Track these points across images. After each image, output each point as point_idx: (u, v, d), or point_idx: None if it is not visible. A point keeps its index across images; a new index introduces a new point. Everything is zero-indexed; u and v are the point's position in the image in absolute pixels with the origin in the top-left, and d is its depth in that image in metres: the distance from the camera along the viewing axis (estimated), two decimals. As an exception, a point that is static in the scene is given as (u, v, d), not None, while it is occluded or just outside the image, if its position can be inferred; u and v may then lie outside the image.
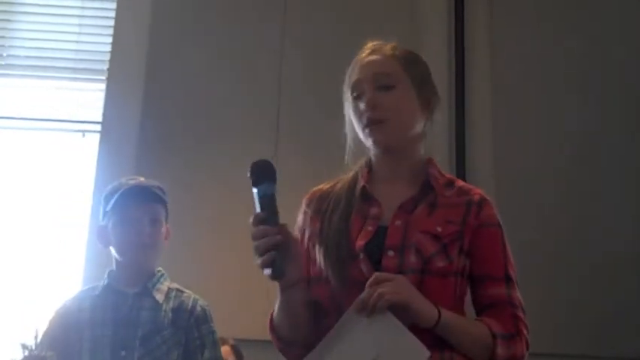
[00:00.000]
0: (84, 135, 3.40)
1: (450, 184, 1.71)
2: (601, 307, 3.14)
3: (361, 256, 1.61)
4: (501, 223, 1.68)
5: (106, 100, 3.35)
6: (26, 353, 1.67)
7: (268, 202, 1.56)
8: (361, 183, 1.73)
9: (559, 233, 3.22)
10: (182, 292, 2.13)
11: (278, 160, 3.19)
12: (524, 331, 1.60)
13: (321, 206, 1.76)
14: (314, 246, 1.70)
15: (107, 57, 3.40)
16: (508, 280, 1.63)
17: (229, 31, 3.39)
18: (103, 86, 3.39)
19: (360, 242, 1.64)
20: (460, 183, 1.74)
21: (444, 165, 3.11)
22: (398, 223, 1.63)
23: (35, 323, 1.85)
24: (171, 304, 2.07)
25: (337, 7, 3.47)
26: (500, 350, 1.55)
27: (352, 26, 3.36)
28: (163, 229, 2.11)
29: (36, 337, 1.71)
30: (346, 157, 1.80)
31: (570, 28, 3.47)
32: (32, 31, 3.51)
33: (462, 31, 3.45)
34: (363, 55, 1.76)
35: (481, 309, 1.63)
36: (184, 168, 3.17)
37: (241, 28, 3.40)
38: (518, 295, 1.63)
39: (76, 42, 3.47)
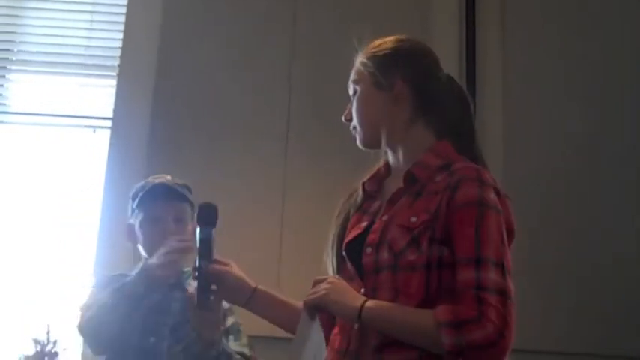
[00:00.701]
0: (95, 131, 3.40)
1: (447, 167, 1.62)
2: (606, 304, 3.12)
3: (344, 254, 1.66)
4: (487, 201, 1.53)
5: (116, 96, 3.34)
6: (38, 348, 1.67)
7: (205, 246, 1.72)
8: (364, 179, 1.76)
9: (566, 235, 3.19)
10: None
11: (287, 157, 3.23)
12: (492, 315, 1.40)
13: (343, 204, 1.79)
14: None
15: (118, 53, 3.40)
16: (479, 261, 1.46)
17: (240, 28, 3.38)
18: (113, 82, 3.38)
19: (346, 240, 1.68)
20: (459, 165, 1.61)
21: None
22: (385, 217, 1.62)
23: (47, 319, 1.85)
24: None
25: (347, 5, 3.45)
26: (447, 339, 1.40)
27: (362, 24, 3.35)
28: (189, 228, 2.11)
29: (48, 333, 1.71)
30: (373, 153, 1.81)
31: (582, 33, 3.43)
32: (43, 27, 3.51)
33: (473, 41, 3.42)
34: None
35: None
36: (195, 164, 3.16)
37: (252, 24, 3.39)
38: (493, 276, 1.45)
39: (87, 38, 3.47)
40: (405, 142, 1.69)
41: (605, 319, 3.09)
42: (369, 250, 1.59)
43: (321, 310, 1.53)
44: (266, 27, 3.39)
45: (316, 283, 1.56)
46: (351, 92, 1.76)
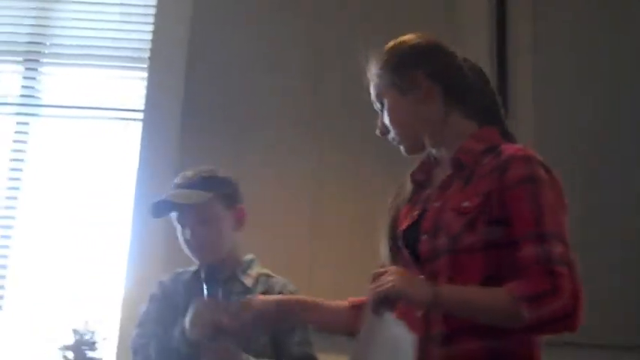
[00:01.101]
0: (126, 123, 3.41)
1: (492, 149, 1.63)
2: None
3: (400, 243, 1.67)
4: (538, 177, 1.54)
5: (147, 88, 3.35)
6: (77, 337, 1.68)
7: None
8: (412, 170, 1.77)
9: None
10: (271, 277, 2.14)
11: (318, 147, 3.21)
12: (566, 286, 1.42)
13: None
14: None
15: (149, 45, 3.40)
16: (542, 236, 1.48)
17: (271, 18, 3.37)
18: (145, 74, 3.38)
19: (400, 228, 1.70)
20: (505, 146, 1.63)
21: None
22: (436, 204, 1.64)
23: (85, 312, 1.87)
24: (260, 288, 2.08)
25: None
26: (527, 313, 1.41)
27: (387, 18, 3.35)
28: (225, 221, 2.09)
29: (87, 323, 1.73)
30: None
31: (615, 32, 3.36)
32: (74, 19, 3.51)
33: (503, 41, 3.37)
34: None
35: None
36: (227, 156, 3.15)
37: (282, 15, 3.37)
38: (558, 249, 1.47)
39: (118, 30, 3.47)
40: (446, 136, 1.70)
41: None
42: (424, 237, 1.61)
43: (391, 302, 1.47)
44: (295, 18, 3.37)
45: (377, 276, 1.51)
46: (377, 107, 1.76)
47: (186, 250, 2.13)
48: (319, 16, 3.37)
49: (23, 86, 3.47)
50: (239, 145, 3.22)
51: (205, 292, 1.86)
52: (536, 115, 3.25)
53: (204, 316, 1.82)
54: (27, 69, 3.50)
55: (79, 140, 3.44)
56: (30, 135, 3.43)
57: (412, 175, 1.77)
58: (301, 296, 1.88)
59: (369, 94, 1.80)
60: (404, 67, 1.70)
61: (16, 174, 3.36)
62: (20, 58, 3.50)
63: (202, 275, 1.98)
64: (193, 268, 2.17)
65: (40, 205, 3.35)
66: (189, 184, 2.12)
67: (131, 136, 3.38)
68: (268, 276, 2.16)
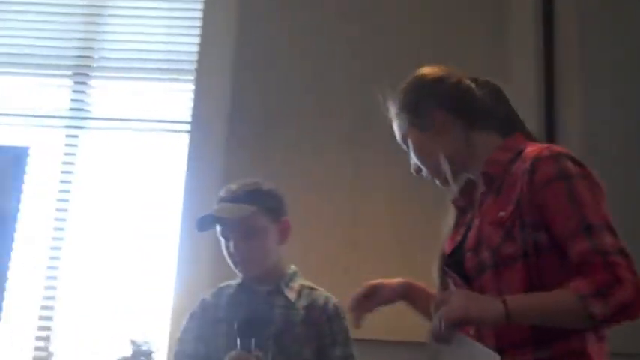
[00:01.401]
0: (173, 135, 3.43)
1: (518, 155, 1.64)
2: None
3: (447, 266, 1.72)
4: (568, 172, 1.54)
5: (194, 100, 3.37)
6: (135, 348, 1.69)
7: None
8: (452, 197, 1.82)
9: None
10: (314, 289, 2.13)
11: (361, 161, 3.20)
12: (626, 275, 1.43)
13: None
14: None
15: (195, 57, 3.43)
16: (588, 229, 1.48)
17: (316, 29, 3.37)
18: (191, 86, 3.42)
19: (446, 252, 1.74)
20: (529, 149, 1.63)
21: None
22: (476, 221, 1.66)
23: (139, 322, 1.89)
24: (303, 301, 2.07)
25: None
26: (597, 309, 1.41)
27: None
28: (269, 234, 2.08)
29: (143, 334, 1.74)
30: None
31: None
32: (122, 33, 3.57)
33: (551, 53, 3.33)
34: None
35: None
36: (273, 167, 3.16)
37: (327, 26, 3.38)
38: (608, 239, 1.47)
39: (165, 43, 3.51)
40: (474, 157, 1.73)
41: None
42: (469, 254, 1.64)
43: (463, 324, 1.47)
44: (339, 27, 3.37)
45: (440, 302, 1.50)
46: (406, 147, 1.82)
47: (230, 263, 2.13)
48: (365, 31, 3.37)
49: (72, 99, 3.53)
50: (285, 155, 3.23)
51: (238, 344, 1.85)
52: (586, 138, 3.20)
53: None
54: (76, 82, 3.55)
55: (127, 152, 3.49)
56: (79, 148, 3.48)
57: (454, 201, 1.81)
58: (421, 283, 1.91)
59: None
60: (416, 105, 1.75)
61: (65, 186, 3.41)
62: (69, 72, 3.56)
63: (235, 326, 1.94)
64: (236, 281, 2.17)
65: (89, 217, 3.39)
66: (233, 198, 2.11)
67: (178, 147, 3.40)
68: (311, 288, 2.15)
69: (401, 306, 1.96)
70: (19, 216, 2.67)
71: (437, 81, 1.78)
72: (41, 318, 3.24)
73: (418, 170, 1.80)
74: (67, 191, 3.40)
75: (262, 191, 2.15)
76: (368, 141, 3.23)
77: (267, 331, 1.97)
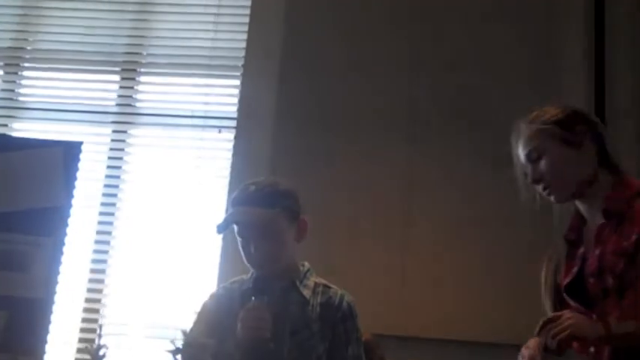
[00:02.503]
0: (220, 131, 3.47)
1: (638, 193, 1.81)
2: None
3: (565, 296, 1.88)
4: None
5: (241, 96, 3.40)
6: (186, 339, 1.72)
7: None
8: (563, 232, 1.97)
9: None
10: (329, 287, 2.12)
11: (412, 157, 3.20)
12: None
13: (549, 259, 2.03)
14: None
15: (242, 54, 3.46)
16: None
17: (364, 26, 3.38)
18: (238, 82, 3.45)
19: (563, 284, 1.90)
20: None
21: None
22: (596, 251, 1.81)
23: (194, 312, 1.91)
24: (318, 299, 2.07)
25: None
26: None
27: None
28: (288, 234, 2.08)
29: (195, 323, 1.76)
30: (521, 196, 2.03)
31: None
32: (170, 30, 3.62)
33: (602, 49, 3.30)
34: (518, 134, 2.00)
35: None
36: (319, 164, 3.18)
37: (375, 20, 3.38)
38: None
39: (212, 40, 3.55)
40: (593, 190, 1.89)
41: None
42: (591, 280, 1.81)
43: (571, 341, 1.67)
44: (389, 25, 3.37)
45: (549, 322, 1.70)
46: (533, 157, 1.94)
47: (246, 261, 2.12)
48: (414, 23, 3.36)
49: (120, 95, 3.59)
50: (331, 151, 3.24)
51: (253, 300, 1.94)
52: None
53: (253, 319, 1.91)
54: (124, 79, 3.61)
55: (174, 147, 3.53)
56: (127, 143, 3.53)
57: (565, 236, 1.96)
58: None
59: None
60: (574, 124, 1.92)
61: (114, 181, 3.46)
62: (118, 69, 3.61)
63: (251, 284, 2.02)
64: (249, 277, 2.16)
65: (137, 210, 3.45)
66: (252, 200, 2.09)
67: (225, 142, 3.44)
68: (325, 286, 2.14)
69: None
70: (72, 210, 2.70)
71: (591, 115, 2.00)
72: (87, 311, 3.31)
73: (538, 180, 1.93)
74: (116, 186, 3.46)
75: (281, 192, 2.10)
76: (424, 138, 3.24)
77: (282, 327, 1.99)
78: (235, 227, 2.09)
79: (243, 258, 2.10)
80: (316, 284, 2.11)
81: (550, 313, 1.86)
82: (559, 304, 1.92)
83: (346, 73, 3.33)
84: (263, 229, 2.04)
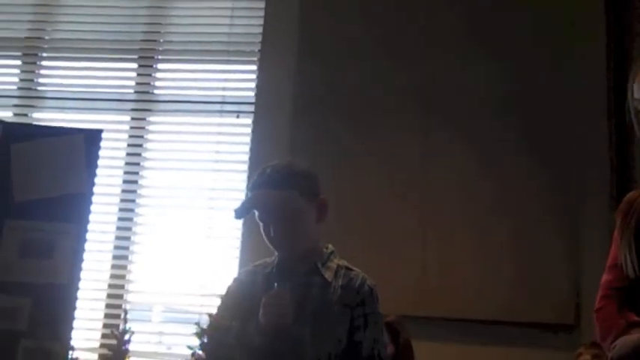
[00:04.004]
0: (238, 116, 3.48)
1: None
2: None
3: None
4: None
5: (258, 81, 3.41)
6: (212, 321, 1.74)
7: None
8: None
9: None
10: (350, 270, 2.12)
11: (428, 141, 3.20)
12: None
13: (627, 211, 1.88)
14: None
15: (259, 39, 3.47)
16: None
17: (381, 9, 3.37)
18: (255, 68, 3.46)
19: None
20: None
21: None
22: None
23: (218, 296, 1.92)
24: (340, 281, 2.07)
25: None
26: None
27: None
28: (307, 215, 2.08)
29: (220, 306, 1.78)
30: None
31: None
32: (186, 16, 3.63)
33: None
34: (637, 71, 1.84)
35: None
36: (338, 147, 3.19)
37: (394, 7, 3.36)
38: None
39: (229, 25, 3.55)
40: None
41: None
42: None
43: None
44: (407, 11, 3.35)
45: None
46: None
47: (269, 245, 2.14)
48: (434, 6, 3.35)
49: (138, 83, 3.61)
50: (349, 134, 3.24)
51: (276, 287, 1.94)
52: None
53: (275, 306, 1.91)
54: (141, 66, 3.63)
55: (192, 133, 3.55)
56: (146, 130, 3.56)
57: None
58: None
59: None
60: None
61: (134, 168, 3.49)
62: (135, 56, 3.63)
63: (274, 271, 2.01)
64: (272, 260, 2.17)
65: (158, 196, 3.49)
66: (267, 183, 2.10)
67: (243, 127, 3.46)
68: (347, 269, 2.14)
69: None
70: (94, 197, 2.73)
71: None
72: (111, 296, 3.34)
73: None
74: (136, 173, 3.49)
75: (296, 173, 2.09)
76: (441, 120, 3.23)
77: (304, 311, 2.00)
78: (255, 212, 2.10)
79: (266, 241, 2.12)
80: (339, 266, 2.11)
81: (631, 270, 1.81)
82: (638, 261, 1.81)
83: (363, 55, 3.33)
84: (280, 212, 2.04)
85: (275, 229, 2.05)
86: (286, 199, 2.04)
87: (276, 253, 2.12)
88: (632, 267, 1.79)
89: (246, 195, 2.15)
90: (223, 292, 2.14)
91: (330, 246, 2.17)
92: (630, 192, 1.94)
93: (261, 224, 2.10)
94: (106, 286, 3.36)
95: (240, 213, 2.09)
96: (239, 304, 2.07)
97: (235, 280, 2.18)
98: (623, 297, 1.82)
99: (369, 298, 2.06)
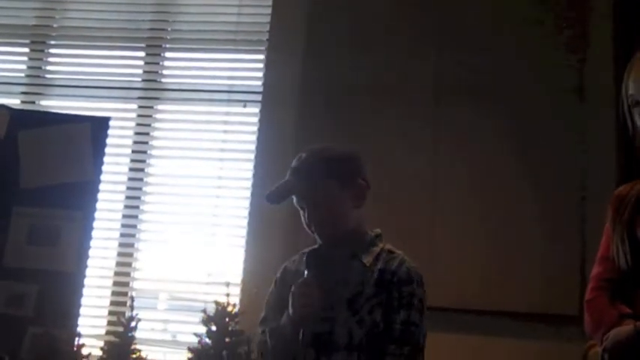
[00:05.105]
0: (245, 105, 3.48)
1: None
2: None
3: None
4: None
5: (266, 70, 3.41)
6: (219, 308, 1.75)
7: None
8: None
9: None
10: (392, 252, 2.10)
11: (435, 130, 3.19)
12: None
13: (618, 206, 1.89)
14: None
15: (267, 28, 3.46)
16: None
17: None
18: (263, 57, 3.46)
19: None
20: None
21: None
22: None
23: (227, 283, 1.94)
24: (379, 265, 2.05)
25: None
26: None
27: None
28: (341, 200, 2.07)
29: (227, 296, 1.79)
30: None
31: None
32: (194, 5, 3.62)
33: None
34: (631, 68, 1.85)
35: None
36: (345, 137, 3.16)
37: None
38: None
39: (237, 14, 3.54)
40: None
41: None
42: None
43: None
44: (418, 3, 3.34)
45: None
46: None
47: (308, 231, 2.14)
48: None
49: (146, 71, 3.61)
50: (356, 124, 3.23)
51: (305, 275, 1.95)
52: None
53: (302, 295, 1.91)
54: (149, 55, 3.63)
55: (199, 122, 3.56)
56: (153, 118, 3.56)
57: None
58: None
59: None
60: None
61: (141, 156, 3.50)
62: (143, 45, 3.63)
63: (304, 258, 2.02)
64: (316, 246, 2.18)
65: (164, 185, 3.49)
66: (301, 168, 2.10)
67: (250, 117, 3.46)
68: (390, 252, 2.12)
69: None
70: (101, 185, 2.74)
71: None
72: (117, 284, 3.36)
73: None
74: (143, 161, 3.49)
75: (332, 157, 2.11)
76: (449, 112, 3.21)
77: (341, 295, 1.99)
78: (293, 198, 2.11)
79: (306, 229, 2.12)
80: (382, 250, 2.10)
81: (623, 263, 1.82)
82: (631, 253, 1.83)
83: (372, 46, 3.31)
84: (312, 199, 2.06)
85: (309, 215, 2.06)
86: (316, 184, 2.04)
87: (317, 240, 2.13)
88: (625, 259, 1.80)
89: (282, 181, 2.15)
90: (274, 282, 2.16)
91: (377, 230, 2.15)
92: (620, 186, 1.96)
93: (300, 211, 2.11)
94: (112, 274, 3.37)
95: (274, 199, 2.09)
96: (281, 292, 2.07)
97: (281, 268, 2.19)
98: (614, 289, 1.83)
99: (407, 279, 2.03)
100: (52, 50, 3.72)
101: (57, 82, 3.66)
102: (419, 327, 2.01)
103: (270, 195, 2.11)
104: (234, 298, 2.24)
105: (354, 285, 2.02)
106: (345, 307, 1.98)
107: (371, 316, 1.97)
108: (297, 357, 1.92)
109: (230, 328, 1.80)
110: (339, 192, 2.09)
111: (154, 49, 3.61)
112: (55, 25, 3.73)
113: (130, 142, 3.52)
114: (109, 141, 2.79)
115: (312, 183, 2.06)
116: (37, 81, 3.67)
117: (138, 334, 2.18)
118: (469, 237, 3.07)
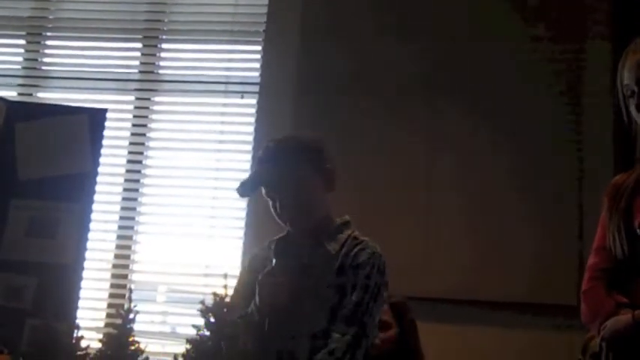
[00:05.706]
0: (242, 96, 3.48)
1: None
2: None
3: (638, 232, 1.77)
4: None
5: (262, 62, 3.41)
6: (217, 299, 1.74)
7: None
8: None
9: None
10: (358, 239, 2.10)
11: (433, 119, 3.19)
12: None
13: (615, 195, 1.89)
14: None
15: (263, 19, 3.45)
16: None
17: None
18: (259, 48, 3.46)
19: (638, 220, 1.79)
20: None
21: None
22: None
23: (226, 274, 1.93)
24: (344, 250, 2.05)
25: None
26: None
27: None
28: (313, 187, 2.06)
29: (225, 287, 1.79)
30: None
31: None
32: (191, -4, 3.62)
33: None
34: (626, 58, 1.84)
35: None
36: (342, 128, 3.18)
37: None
38: None
39: (234, 5, 3.54)
40: None
41: None
42: None
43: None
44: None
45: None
46: (635, 89, 1.81)
47: (279, 222, 2.13)
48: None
49: (142, 63, 3.60)
50: (353, 114, 3.24)
51: (273, 264, 1.95)
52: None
53: (269, 284, 1.93)
54: (146, 46, 3.62)
55: (197, 113, 3.56)
56: (150, 110, 3.56)
57: None
58: None
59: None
60: None
61: (138, 148, 3.50)
62: (140, 36, 3.62)
63: (273, 246, 2.02)
64: (284, 233, 2.17)
65: (162, 176, 3.50)
66: (270, 158, 2.09)
67: (248, 108, 3.46)
68: (355, 238, 2.11)
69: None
70: (98, 177, 2.73)
71: None
72: (116, 276, 3.37)
73: None
74: (140, 152, 3.49)
75: (299, 145, 2.09)
76: (447, 102, 3.21)
77: (305, 286, 1.99)
78: (262, 190, 2.10)
79: (276, 218, 2.11)
80: (349, 237, 2.10)
81: (619, 252, 1.82)
82: (627, 242, 1.82)
83: (368, 36, 3.30)
84: (284, 185, 2.03)
85: (281, 203, 2.04)
86: (289, 172, 2.03)
87: (287, 229, 2.12)
88: (621, 248, 1.81)
89: (250, 172, 2.15)
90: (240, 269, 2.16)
91: (346, 217, 2.14)
92: (617, 176, 1.95)
93: (270, 202, 2.10)
94: (110, 266, 3.38)
95: (244, 191, 2.08)
96: (249, 281, 2.07)
97: (250, 255, 2.18)
98: (611, 279, 1.83)
99: (364, 263, 2.00)
100: (49, 42, 3.71)
101: (53, 74, 3.65)
102: (369, 311, 1.98)
103: (240, 187, 2.09)
104: (232, 290, 2.24)
105: (317, 274, 2.01)
106: (309, 297, 1.99)
107: (332, 299, 1.97)
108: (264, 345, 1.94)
109: (228, 320, 1.80)
110: (311, 178, 2.08)
111: (151, 41, 3.61)
112: (51, 17, 3.72)
113: (127, 133, 3.52)
114: (106, 133, 2.78)
115: (285, 170, 2.05)
116: (33, 73, 3.66)
117: (136, 326, 2.17)
118: (465, 229, 3.08)
